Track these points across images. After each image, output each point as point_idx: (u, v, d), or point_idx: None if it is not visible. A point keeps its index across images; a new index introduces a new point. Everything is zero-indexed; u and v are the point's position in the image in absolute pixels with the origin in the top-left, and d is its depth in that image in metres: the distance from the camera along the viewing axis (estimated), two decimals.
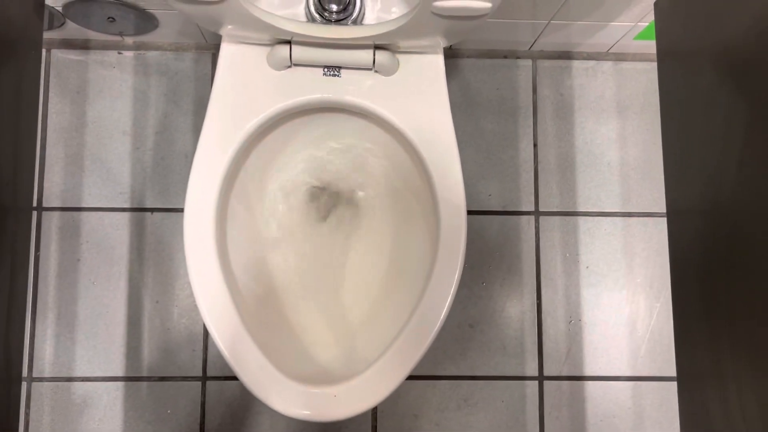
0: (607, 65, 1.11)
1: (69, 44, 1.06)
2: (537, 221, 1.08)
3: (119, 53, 1.07)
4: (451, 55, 1.10)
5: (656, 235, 1.08)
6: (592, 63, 1.11)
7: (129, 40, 1.06)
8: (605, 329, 1.06)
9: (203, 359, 1.03)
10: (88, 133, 1.05)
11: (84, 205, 1.04)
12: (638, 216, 1.08)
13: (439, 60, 0.78)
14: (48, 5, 0.92)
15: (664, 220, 1.03)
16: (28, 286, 1.01)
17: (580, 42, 1.07)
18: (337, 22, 0.76)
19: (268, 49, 0.76)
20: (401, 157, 0.84)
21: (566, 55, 1.11)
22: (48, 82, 1.06)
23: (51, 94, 1.06)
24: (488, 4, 0.62)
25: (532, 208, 1.08)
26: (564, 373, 1.05)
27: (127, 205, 1.04)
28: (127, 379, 1.02)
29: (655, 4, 0.73)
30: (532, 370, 1.05)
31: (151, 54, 1.07)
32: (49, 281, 1.03)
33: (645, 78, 1.11)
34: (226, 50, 0.77)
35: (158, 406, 1.02)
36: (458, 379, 1.05)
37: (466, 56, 1.10)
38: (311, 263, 0.88)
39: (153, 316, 1.03)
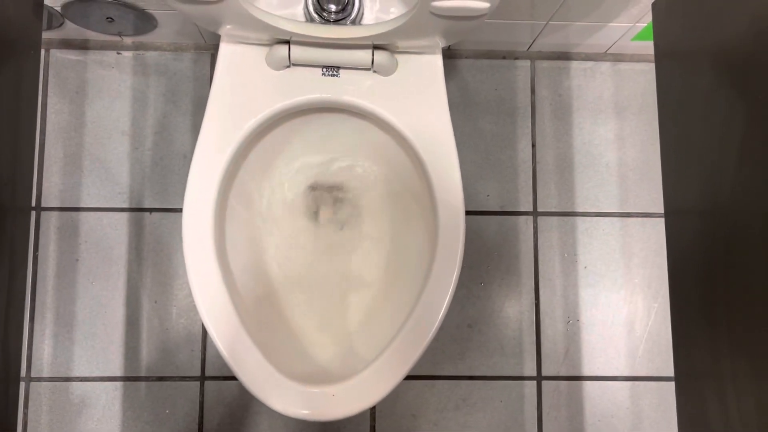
0: (605, 66, 1.11)
1: (68, 44, 1.06)
2: (535, 221, 1.08)
3: (118, 53, 1.07)
4: (449, 55, 1.10)
5: (654, 236, 1.08)
6: (590, 64, 1.11)
7: (128, 41, 1.06)
8: (603, 329, 1.06)
9: (202, 359, 1.03)
10: (86, 133, 1.05)
11: (83, 205, 1.04)
12: (636, 216, 1.08)
13: (437, 60, 0.78)
14: (47, 5, 0.92)
15: (662, 220, 1.03)
16: (27, 286, 1.01)
17: (578, 43, 1.07)
18: (336, 22, 0.76)
19: (266, 49, 0.76)
20: (400, 157, 0.84)
21: (564, 56, 1.11)
22: (47, 82, 1.06)
23: (50, 94, 1.06)
24: (486, 5, 0.62)
25: (530, 209, 1.08)
26: (562, 373, 1.05)
27: (125, 205, 1.04)
28: (125, 379, 1.02)
29: (653, 5, 0.73)
30: (530, 370, 1.05)
31: (150, 54, 1.07)
32: (47, 281, 1.03)
33: (643, 79, 1.11)
34: (225, 50, 0.77)
35: (157, 406, 1.02)
36: (457, 379, 1.05)
37: (464, 57, 1.10)
38: (310, 263, 0.88)
39: (151, 316, 1.03)
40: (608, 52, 1.10)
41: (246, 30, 0.73)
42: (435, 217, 0.74)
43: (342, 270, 0.89)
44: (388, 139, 0.83)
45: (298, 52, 0.74)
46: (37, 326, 1.02)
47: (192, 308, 1.03)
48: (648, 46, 1.06)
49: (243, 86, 0.76)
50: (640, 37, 1.03)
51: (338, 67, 0.77)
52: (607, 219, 1.08)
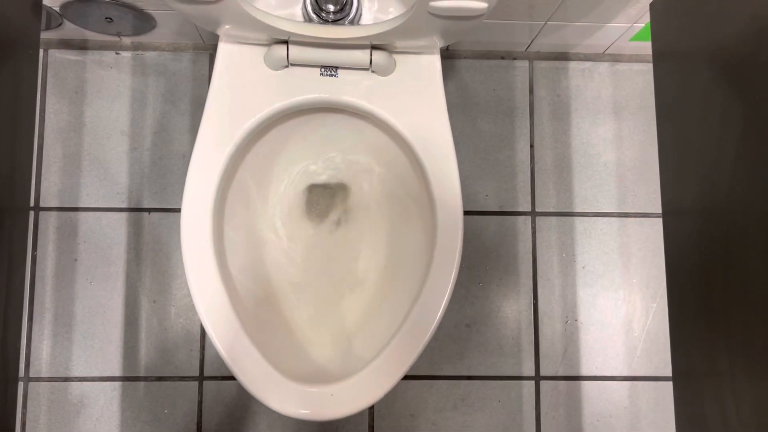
0: (603, 66, 1.11)
1: (67, 44, 1.06)
2: (534, 221, 1.08)
3: (117, 53, 1.07)
4: (448, 55, 1.10)
5: (652, 236, 1.08)
6: (588, 64, 1.11)
7: (127, 41, 1.06)
8: (601, 329, 1.07)
9: (200, 359, 1.03)
10: (85, 133, 1.05)
11: (81, 205, 1.04)
12: (634, 216, 1.09)
13: (435, 60, 0.78)
14: (45, 5, 0.92)
15: (660, 220, 1.03)
16: (25, 286, 1.01)
17: (576, 43, 1.07)
18: (334, 22, 0.76)
19: (265, 49, 0.76)
20: (398, 157, 0.84)
21: (563, 56, 1.11)
22: (45, 82, 1.06)
23: (48, 94, 1.06)
24: (484, 5, 0.62)
25: (528, 209, 1.08)
26: (560, 373, 1.06)
27: (124, 205, 1.04)
28: (124, 379, 1.02)
29: (651, 6, 0.74)
30: (528, 370, 1.05)
31: (149, 54, 1.07)
32: (46, 281, 1.02)
33: (641, 79, 1.11)
34: (224, 50, 0.77)
35: (155, 406, 1.02)
36: (455, 379, 1.05)
37: (463, 57, 1.10)
38: (308, 263, 0.88)
39: (150, 316, 1.03)
40: (606, 52, 1.11)
41: (244, 30, 0.73)
42: (433, 217, 0.74)
43: (340, 270, 0.89)
44: (387, 139, 0.83)
45: (296, 52, 0.74)
46: (35, 326, 1.02)
47: (191, 308, 1.03)
48: (646, 47, 1.07)
49: (241, 86, 0.76)
50: (638, 37, 1.03)
51: (336, 67, 0.77)
52: (605, 219, 1.08)
